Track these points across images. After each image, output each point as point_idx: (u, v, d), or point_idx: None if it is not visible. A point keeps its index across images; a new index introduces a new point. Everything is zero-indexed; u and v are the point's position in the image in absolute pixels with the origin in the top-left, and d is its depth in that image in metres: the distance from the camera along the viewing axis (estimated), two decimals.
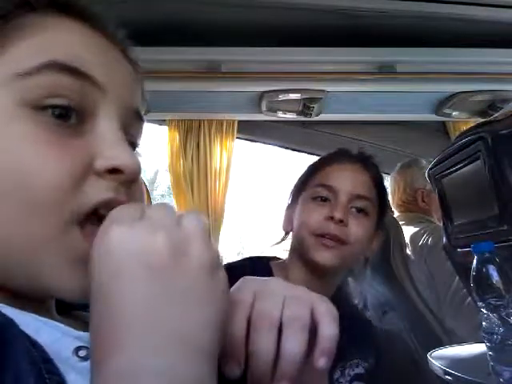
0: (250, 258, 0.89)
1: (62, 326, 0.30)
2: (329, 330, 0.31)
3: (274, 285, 0.34)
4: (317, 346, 0.31)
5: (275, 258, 0.88)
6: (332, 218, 0.76)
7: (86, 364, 0.28)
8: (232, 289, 0.33)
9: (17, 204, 0.28)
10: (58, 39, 0.31)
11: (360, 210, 0.79)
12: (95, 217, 0.30)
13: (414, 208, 1.69)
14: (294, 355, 0.29)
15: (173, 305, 0.24)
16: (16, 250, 0.29)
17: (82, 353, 0.29)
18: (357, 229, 0.77)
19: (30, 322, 0.28)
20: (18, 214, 0.28)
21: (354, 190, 0.79)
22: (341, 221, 0.76)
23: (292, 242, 0.85)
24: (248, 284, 0.34)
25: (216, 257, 0.27)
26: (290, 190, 0.90)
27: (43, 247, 0.29)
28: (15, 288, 0.30)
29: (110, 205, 0.29)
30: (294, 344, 0.30)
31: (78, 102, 0.30)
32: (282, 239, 0.88)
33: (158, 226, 0.26)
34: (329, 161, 0.85)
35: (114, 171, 0.31)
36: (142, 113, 0.37)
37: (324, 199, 0.79)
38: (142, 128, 0.37)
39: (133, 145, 0.36)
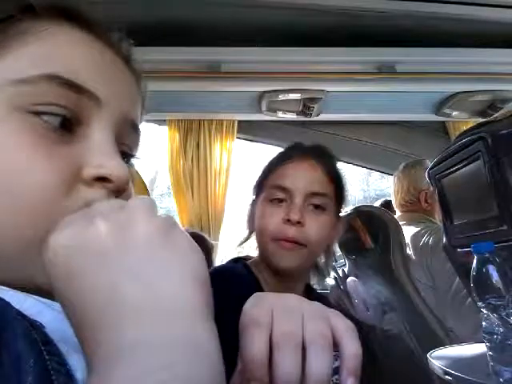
0: (234, 261, 0.89)
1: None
2: (352, 348, 0.30)
3: (289, 301, 0.33)
4: (343, 365, 0.30)
5: (248, 258, 0.88)
6: (289, 221, 0.75)
7: None
8: (246, 306, 0.32)
9: (6, 205, 0.29)
10: (59, 50, 0.31)
11: (317, 207, 0.78)
12: None
13: (416, 208, 1.69)
14: (321, 376, 0.28)
15: (138, 278, 0.23)
16: (8, 252, 0.29)
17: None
18: (315, 227, 0.76)
19: (32, 304, 0.28)
20: (7, 214, 0.29)
21: (309, 188, 0.78)
22: (298, 222, 0.75)
23: (256, 243, 0.84)
24: (263, 301, 0.33)
25: (166, 221, 0.26)
26: (252, 187, 0.89)
27: (33, 249, 0.28)
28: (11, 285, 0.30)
29: None
30: (320, 364, 0.29)
31: (72, 112, 0.31)
32: (246, 238, 0.87)
33: (95, 215, 0.26)
34: (282, 159, 0.83)
35: (101, 179, 0.31)
36: (140, 124, 0.37)
37: (280, 200, 0.78)
38: (138, 139, 0.38)
39: (127, 155, 0.37)
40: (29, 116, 0.29)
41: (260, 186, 0.84)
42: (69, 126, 0.31)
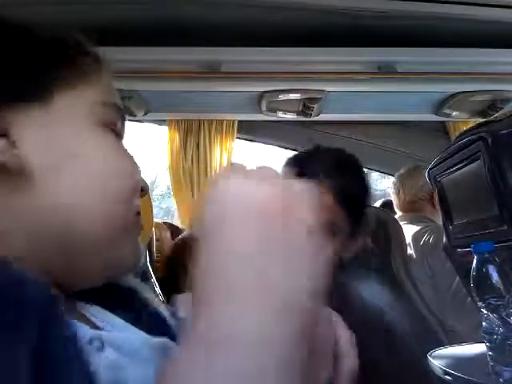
0: None
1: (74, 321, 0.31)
2: (350, 363, 0.33)
3: None
4: (339, 379, 0.32)
5: None
6: None
7: (101, 354, 0.29)
8: None
9: (107, 201, 0.35)
10: (112, 85, 0.41)
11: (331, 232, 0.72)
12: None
13: (420, 208, 1.69)
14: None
15: (277, 257, 0.23)
16: (103, 240, 0.35)
17: (96, 343, 0.30)
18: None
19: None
20: (106, 208, 0.35)
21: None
22: None
23: None
24: None
25: (318, 228, 0.26)
26: None
27: (122, 236, 0.36)
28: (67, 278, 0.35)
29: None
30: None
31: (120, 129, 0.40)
32: None
33: (271, 179, 0.26)
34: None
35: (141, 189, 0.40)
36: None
37: None
38: None
39: None
40: (111, 131, 0.38)
41: None
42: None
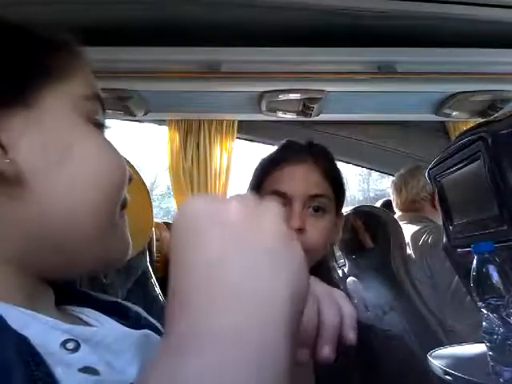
0: None
1: (49, 319, 0.31)
2: (349, 307, 0.37)
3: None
4: (344, 322, 0.36)
5: None
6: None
7: (74, 356, 0.29)
8: None
9: (94, 198, 0.35)
10: (91, 77, 0.40)
11: (317, 210, 0.76)
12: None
13: (420, 208, 1.69)
14: (334, 324, 0.35)
15: (244, 264, 0.23)
16: (90, 235, 0.35)
17: (70, 345, 0.30)
18: (316, 232, 0.75)
19: (17, 316, 0.29)
20: (94, 205, 0.35)
21: (308, 191, 0.75)
22: (299, 229, 0.73)
23: None
24: None
25: (290, 235, 0.27)
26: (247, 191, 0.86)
27: (109, 230, 0.37)
28: (53, 271, 0.36)
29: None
30: (333, 314, 0.36)
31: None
32: None
33: (233, 198, 0.27)
34: (277, 162, 0.80)
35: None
36: None
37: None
38: None
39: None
40: (95, 124, 0.38)
41: (255, 191, 0.80)
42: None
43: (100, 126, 0.39)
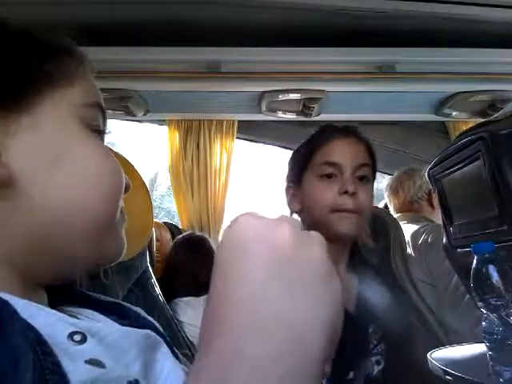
0: None
1: (57, 312, 0.32)
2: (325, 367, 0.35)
3: None
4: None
5: None
6: (346, 193, 0.84)
7: (81, 347, 0.29)
8: None
9: (94, 200, 0.36)
10: (94, 86, 0.41)
11: (362, 178, 0.88)
12: None
13: (419, 208, 1.69)
14: None
15: (287, 294, 0.23)
16: (90, 234, 0.36)
17: (77, 337, 0.30)
18: (365, 196, 0.87)
19: (25, 307, 0.29)
20: (94, 206, 0.36)
21: (356, 161, 0.87)
22: (353, 193, 0.83)
23: (306, 220, 0.91)
24: None
25: (332, 270, 0.27)
26: (289, 172, 0.97)
27: (107, 230, 0.37)
28: (53, 272, 0.36)
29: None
30: None
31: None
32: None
33: (284, 220, 0.27)
34: (326, 139, 0.91)
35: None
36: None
37: (330, 176, 0.86)
38: None
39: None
40: (95, 131, 0.38)
41: (303, 167, 0.91)
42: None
43: (99, 133, 0.39)
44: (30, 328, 0.27)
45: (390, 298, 0.82)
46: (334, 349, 0.25)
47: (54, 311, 0.32)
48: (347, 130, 0.93)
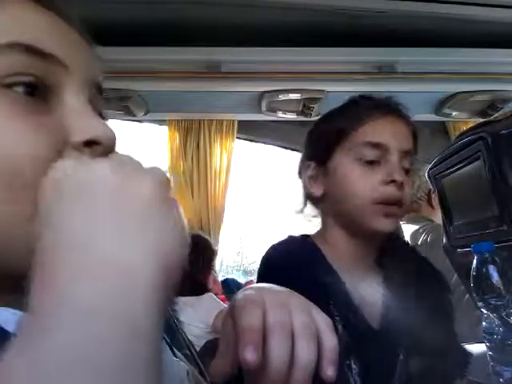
0: (293, 238, 0.78)
1: None
2: (331, 340, 0.33)
3: (280, 294, 0.35)
4: (323, 356, 0.32)
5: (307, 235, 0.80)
6: (393, 182, 0.68)
7: None
8: (239, 294, 0.35)
9: (1, 182, 0.28)
10: (18, 20, 0.31)
11: (407, 168, 0.72)
12: None
13: (418, 208, 1.69)
14: (308, 362, 0.31)
15: (109, 232, 0.22)
16: (9, 232, 0.29)
17: None
18: (408, 186, 0.72)
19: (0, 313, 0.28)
20: (3, 192, 0.28)
21: (403, 146, 0.71)
22: (402, 184, 0.69)
23: (329, 210, 0.76)
24: (256, 291, 0.36)
25: (169, 203, 0.25)
26: (310, 147, 0.79)
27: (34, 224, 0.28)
28: (14, 269, 0.29)
29: None
30: (308, 352, 0.31)
31: (42, 80, 0.30)
32: (305, 204, 0.80)
33: (108, 159, 0.25)
34: (367, 113, 0.73)
35: (90, 143, 0.31)
36: (102, 86, 0.38)
37: (371, 161, 0.70)
38: (102, 101, 0.38)
39: (101, 116, 0.36)
40: (4, 90, 0.29)
41: (335, 143, 0.74)
42: (43, 96, 0.31)
43: (25, 85, 0.30)
44: (4, 334, 0.25)
45: (425, 312, 0.66)
46: (178, 280, 0.24)
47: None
48: (395, 107, 0.76)
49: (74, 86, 0.32)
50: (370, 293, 0.72)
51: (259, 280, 0.72)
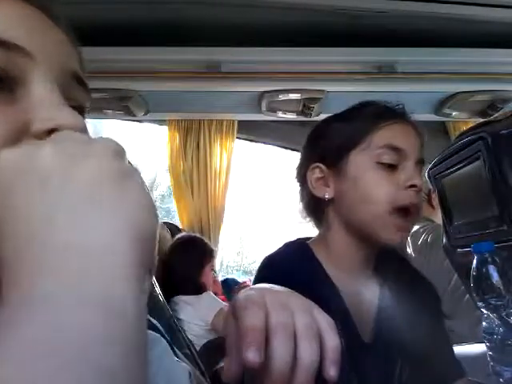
0: (289, 246, 0.77)
1: None
2: (333, 340, 0.33)
3: (281, 294, 0.36)
4: (325, 356, 0.32)
5: (306, 239, 0.78)
6: (413, 186, 0.67)
7: None
8: (240, 294, 0.35)
9: None
10: None
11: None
12: None
13: None
14: (311, 363, 0.31)
15: (73, 220, 0.21)
16: None
17: None
18: (421, 192, 0.70)
19: None
20: None
21: (418, 155, 0.70)
22: (420, 189, 0.67)
23: (338, 215, 0.73)
24: (257, 292, 0.36)
25: (126, 168, 0.24)
26: (317, 146, 0.76)
27: None
28: None
29: None
30: (310, 353, 0.31)
31: (6, 71, 0.30)
32: (308, 208, 0.77)
33: (48, 141, 0.25)
34: (385, 117, 0.72)
35: (53, 132, 0.29)
36: (84, 76, 0.36)
37: (390, 165, 0.68)
38: (86, 91, 0.36)
39: (79, 109, 0.34)
40: None
41: (346, 147, 0.71)
42: (7, 87, 0.30)
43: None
44: None
45: (418, 325, 0.66)
46: (154, 257, 0.23)
47: None
48: (408, 115, 0.75)
49: (42, 75, 0.31)
50: (366, 303, 0.71)
51: None
